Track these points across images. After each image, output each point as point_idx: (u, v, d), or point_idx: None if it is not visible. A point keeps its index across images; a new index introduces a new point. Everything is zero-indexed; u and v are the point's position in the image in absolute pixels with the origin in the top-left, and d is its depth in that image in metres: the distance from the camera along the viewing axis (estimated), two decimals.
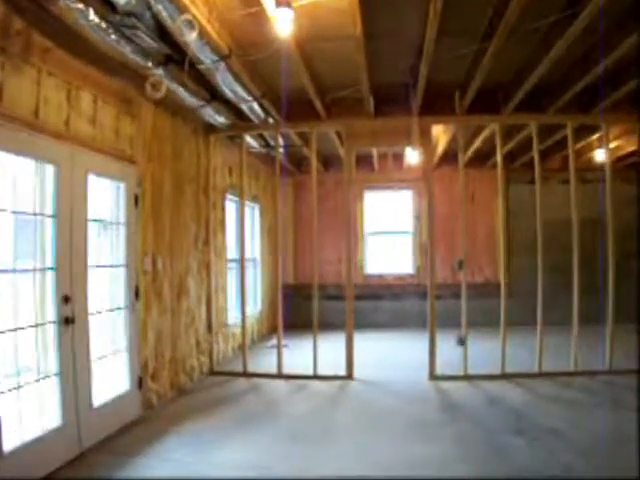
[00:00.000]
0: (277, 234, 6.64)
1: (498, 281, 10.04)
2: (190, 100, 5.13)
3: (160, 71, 4.36)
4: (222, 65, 4.41)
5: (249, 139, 6.99)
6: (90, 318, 4.01)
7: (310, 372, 6.30)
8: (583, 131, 7.42)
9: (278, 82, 5.73)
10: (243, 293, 6.53)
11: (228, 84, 4.86)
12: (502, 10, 4.05)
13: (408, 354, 7.72)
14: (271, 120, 6.38)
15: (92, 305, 4.06)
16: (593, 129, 7.32)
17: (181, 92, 4.85)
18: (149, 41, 3.81)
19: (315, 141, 6.38)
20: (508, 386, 5.91)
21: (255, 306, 8.88)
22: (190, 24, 3.51)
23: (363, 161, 9.76)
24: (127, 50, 3.82)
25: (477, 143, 7.91)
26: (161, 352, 5.19)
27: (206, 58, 4.24)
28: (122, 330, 4.57)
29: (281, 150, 7.40)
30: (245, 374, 6.41)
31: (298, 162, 9.95)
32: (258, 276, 9.04)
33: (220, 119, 5.97)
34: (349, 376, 6.29)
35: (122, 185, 4.57)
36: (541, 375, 6.19)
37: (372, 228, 10.45)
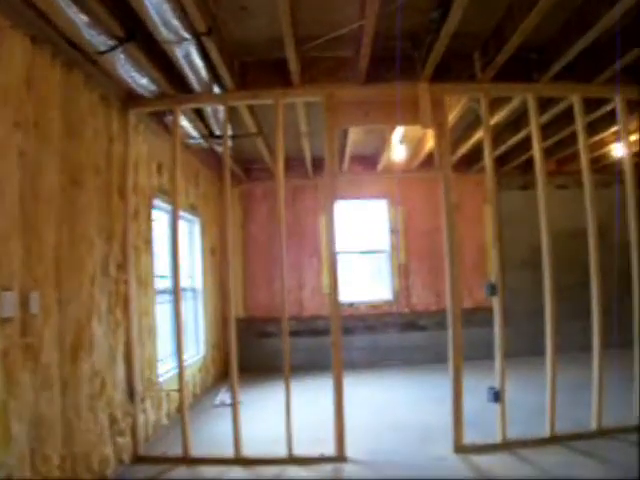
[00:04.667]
0: (226, 255, 4.67)
1: (491, 305, 8.38)
2: (89, 33, 3.13)
3: None
4: None
5: (186, 123, 5.01)
6: None
7: (282, 450, 4.28)
8: (599, 123, 5.99)
9: (230, 20, 3.83)
10: (180, 336, 4.46)
11: None
12: None
13: (407, 408, 5.79)
14: (217, 90, 4.44)
15: None
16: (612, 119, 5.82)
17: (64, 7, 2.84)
18: None
19: (282, 117, 4.46)
20: (568, 455, 4.12)
21: (197, 351, 6.76)
22: None
23: (322, 165, 7.78)
24: None
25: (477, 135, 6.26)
26: (41, 452, 3.05)
27: None
28: None
29: (229, 144, 5.38)
30: (186, 460, 4.31)
31: (247, 165, 7.96)
32: (200, 311, 6.94)
33: (142, 80, 3.97)
34: (340, 457, 4.29)
35: None
36: (602, 434, 4.44)
37: (339, 247, 8.47)
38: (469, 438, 4.35)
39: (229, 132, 4.72)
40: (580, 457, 4.08)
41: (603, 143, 7.20)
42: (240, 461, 4.26)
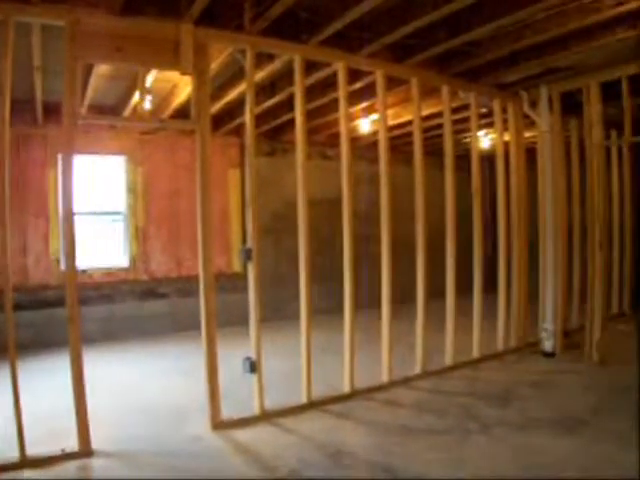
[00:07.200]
0: None
1: (233, 271, 8.38)
2: None
3: None
4: None
5: None
6: None
7: (14, 452, 3.52)
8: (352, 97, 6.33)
9: None
10: None
11: None
12: None
13: (154, 385, 5.39)
14: None
15: None
16: (361, 95, 6.15)
17: None
18: None
19: (12, 40, 3.58)
20: (328, 421, 4.28)
21: None
22: None
23: (55, 112, 6.73)
24: None
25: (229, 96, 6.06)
26: None
27: None
28: None
29: None
30: None
31: None
32: None
33: None
34: (85, 451, 3.71)
35: None
36: (355, 395, 4.73)
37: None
38: (225, 413, 4.19)
39: None
40: (338, 420, 4.27)
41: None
42: None
